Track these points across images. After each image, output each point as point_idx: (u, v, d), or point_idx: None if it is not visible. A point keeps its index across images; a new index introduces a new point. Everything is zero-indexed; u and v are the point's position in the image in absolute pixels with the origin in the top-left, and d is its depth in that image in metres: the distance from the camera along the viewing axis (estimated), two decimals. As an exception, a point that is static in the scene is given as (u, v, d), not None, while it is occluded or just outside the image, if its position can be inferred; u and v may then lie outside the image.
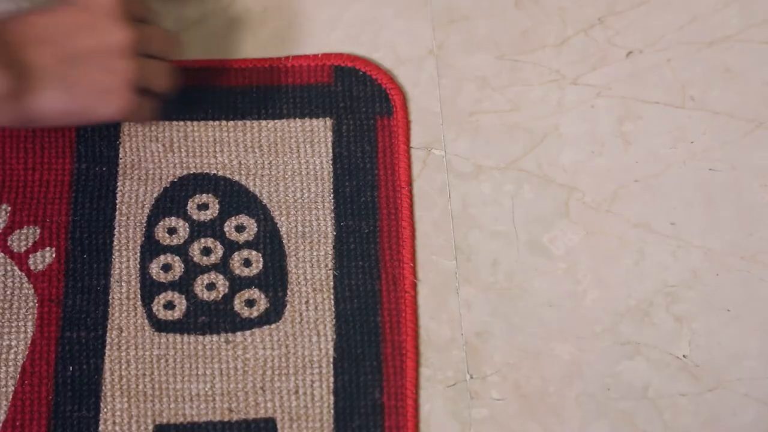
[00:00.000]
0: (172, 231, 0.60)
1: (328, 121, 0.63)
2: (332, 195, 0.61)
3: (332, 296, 0.58)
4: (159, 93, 0.58)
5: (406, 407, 0.56)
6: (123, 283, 0.58)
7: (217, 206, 0.61)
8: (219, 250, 0.59)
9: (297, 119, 0.63)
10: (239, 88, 0.63)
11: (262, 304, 0.58)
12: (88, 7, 0.53)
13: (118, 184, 0.61)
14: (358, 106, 0.63)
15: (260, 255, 0.59)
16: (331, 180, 0.61)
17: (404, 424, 0.56)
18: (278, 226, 0.60)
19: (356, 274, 0.59)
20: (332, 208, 0.61)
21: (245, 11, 0.66)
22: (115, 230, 0.60)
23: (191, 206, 0.61)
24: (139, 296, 0.58)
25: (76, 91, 0.53)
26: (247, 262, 0.59)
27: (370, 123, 0.63)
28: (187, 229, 0.60)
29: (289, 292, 0.59)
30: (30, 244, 0.59)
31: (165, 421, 0.55)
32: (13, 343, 0.57)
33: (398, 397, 0.56)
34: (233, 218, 0.60)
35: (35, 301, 0.58)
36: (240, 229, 0.60)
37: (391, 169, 0.61)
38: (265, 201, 0.61)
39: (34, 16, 0.53)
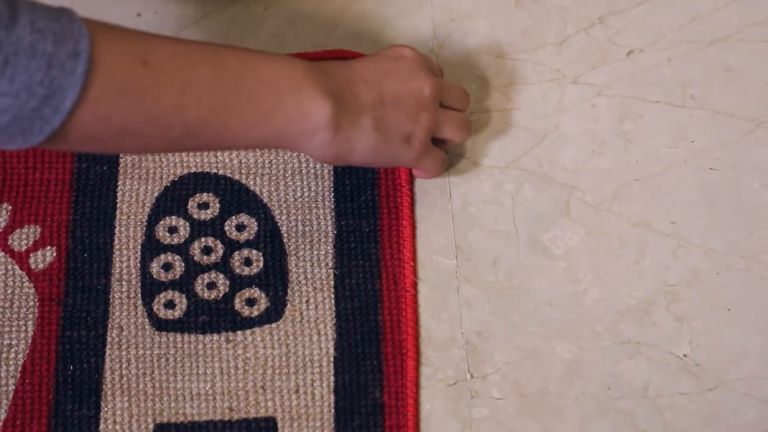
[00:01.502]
0: (172, 230, 0.60)
1: None
2: (332, 194, 0.61)
3: (333, 295, 0.58)
4: (452, 143, 0.60)
5: (407, 406, 0.56)
6: (123, 282, 0.58)
7: (218, 205, 0.61)
8: (219, 249, 0.59)
9: None
10: None
11: (263, 303, 0.58)
12: (398, 58, 0.57)
13: (119, 183, 0.61)
14: None
15: (261, 254, 0.59)
16: (332, 179, 0.61)
17: (404, 424, 0.56)
18: (279, 225, 0.60)
19: (357, 273, 0.59)
20: (333, 206, 0.61)
21: (245, 10, 0.66)
22: (116, 229, 0.60)
23: (192, 205, 0.61)
24: (139, 295, 0.58)
25: (386, 131, 0.54)
26: (247, 261, 0.59)
27: None
28: (188, 228, 0.60)
29: (289, 291, 0.59)
30: (30, 243, 0.59)
31: (165, 420, 0.55)
32: (13, 342, 0.57)
33: (398, 397, 0.56)
34: (234, 217, 0.60)
35: (36, 300, 0.58)
36: (240, 228, 0.60)
37: (391, 168, 0.61)
38: (265, 200, 0.61)
39: (353, 62, 0.56)
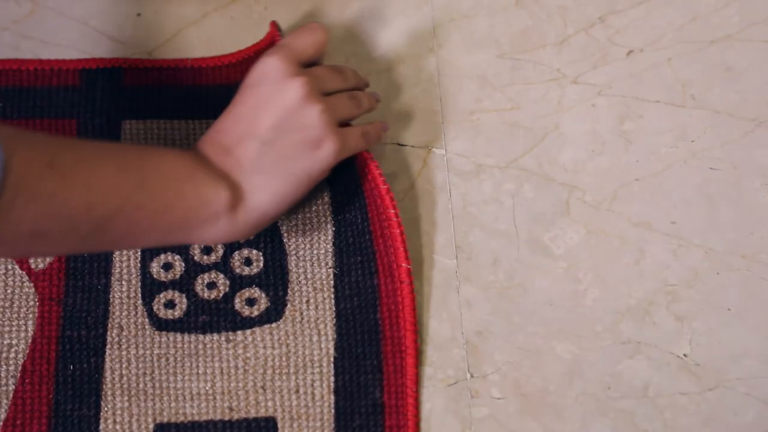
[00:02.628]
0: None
1: None
2: (328, 189, 0.61)
3: (333, 295, 0.58)
4: (367, 112, 0.58)
5: (407, 406, 0.56)
6: (123, 282, 0.58)
7: (218, 205, 0.60)
8: (219, 249, 0.59)
9: None
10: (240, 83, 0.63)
11: (263, 303, 0.58)
12: (259, 81, 0.53)
13: (119, 182, 0.61)
14: None
15: (261, 254, 0.59)
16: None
17: (404, 423, 0.56)
18: (278, 224, 0.60)
19: (355, 271, 0.59)
20: (330, 202, 0.61)
21: (246, 10, 0.66)
22: (116, 229, 0.60)
23: (192, 205, 0.60)
24: (139, 295, 0.58)
25: (289, 164, 0.53)
26: (247, 261, 0.59)
27: None
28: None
29: (289, 291, 0.59)
30: (30, 242, 0.59)
31: (165, 420, 0.55)
32: (13, 342, 0.57)
33: (398, 396, 0.56)
34: (234, 217, 0.60)
35: (36, 299, 0.58)
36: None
37: (364, 162, 0.60)
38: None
39: (219, 120, 0.54)
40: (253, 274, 0.59)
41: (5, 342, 0.57)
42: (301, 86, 0.53)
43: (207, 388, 0.56)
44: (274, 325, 0.58)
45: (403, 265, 0.58)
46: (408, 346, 0.57)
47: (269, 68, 0.53)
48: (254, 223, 0.53)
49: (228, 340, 0.57)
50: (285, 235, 0.60)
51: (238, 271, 0.59)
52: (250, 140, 0.52)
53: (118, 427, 0.55)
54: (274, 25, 0.64)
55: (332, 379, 0.57)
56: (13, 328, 0.57)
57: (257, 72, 0.54)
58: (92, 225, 0.47)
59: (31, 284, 0.58)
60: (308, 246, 0.60)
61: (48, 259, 0.59)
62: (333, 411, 0.56)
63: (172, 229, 0.50)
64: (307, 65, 0.56)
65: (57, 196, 0.44)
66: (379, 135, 0.59)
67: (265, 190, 0.52)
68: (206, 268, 0.59)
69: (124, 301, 0.58)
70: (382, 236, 0.58)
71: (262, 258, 0.59)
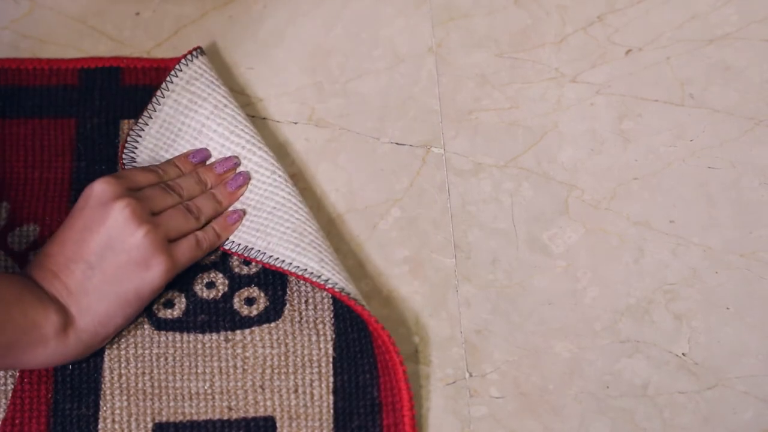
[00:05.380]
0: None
1: None
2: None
3: (331, 295, 0.58)
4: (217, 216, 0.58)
5: (402, 401, 0.56)
6: (122, 282, 0.58)
7: (217, 204, 0.60)
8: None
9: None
10: None
11: (262, 302, 0.58)
12: (83, 207, 0.54)
13: (118, 182, 0.61)
14: None
15: (260, 253, 0.59)
16: None
17: (401, 421, 0.55)
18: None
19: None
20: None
21: (244, 9, 0.66)
22: (115, 228, 0.60)
23: (191, 204, 0.60)
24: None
25: (111, 291, 0.53)
26: (246, 261, 0.59)
27: None
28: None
29: (288, 291, 0.58)
30: (30, 242, 0.59)
31: (164, 419, 0.55)
32: (12, 342, 0.57)
33: (394, 393, 0.56)
34: (233, 216, 0.60)
35: (35, 299, 0.58)
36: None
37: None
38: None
39: (48, 244, 0.54)
40: (252, 273, 0.59)
41: (4, 341, 0.57)
42: (124, 207, 0.53)
43: (206, 387, 0.56)
44: (272, 324, 0.58)
45: None
46: (384, 341, 0.56)
47: (96, 191, 0.54)
48: (87, 344, 0.53)
49: (227, 340, 0.57)
50: (284, 234, 0.60)
51: (237, 270, 0.59)
52: (76, 264, 0.53)
53: (116, 426, 0.55)
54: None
55: (331, 379, 0.56)
56: (12, 328, 0.57)
57: (85, 195, 0.54)
58: None
59: (30, 284, 0.58)
60: (307, 245, 0.60)
61: (47, 259, 0.59)
62: (332, 411, 0.56)
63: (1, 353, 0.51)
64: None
65: None
66: (222, 233, 0.58)
67: (94, 312, 0.53)
68: (205, 268, 0.59)
69: (123, 301, 0.58)
70: None
71: (261, 257, 0.59)
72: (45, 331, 0.51)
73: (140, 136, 0.60)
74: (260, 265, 0.59)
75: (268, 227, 0.58)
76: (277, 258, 0.56)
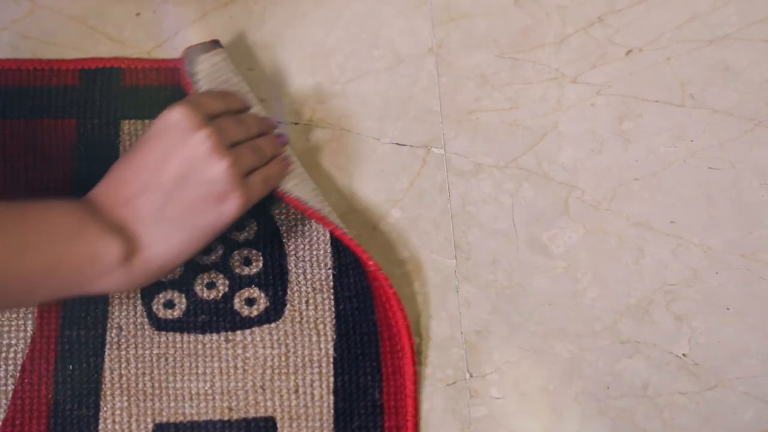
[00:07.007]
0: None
1: None
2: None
3: (332, 296, 0.58)
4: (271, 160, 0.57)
5: (406, 407, 0.56)
6: (123, 282, 0.58)
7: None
8: (219, 249, 0.59)
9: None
10: None
11: (262, 302, 0.58)
12: (160, 134, 0.52)
13: (118, 182, 0.61)
14: None
15: (260, 254, 0.59)
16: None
17: (404, 424, 0.56)
18: (278, 224, 0.60)
19: (353, 271, 0.59)
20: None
21: (245, 10, 0.66)
22: (115, 229, 0.60)
23: (191, 205, 0.60)
24: (138, 295, 0.58)
25: (190, 218, 0.51)
26: (247, 261, 0.59)
27: None
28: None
29: (289, 291, 0.59)
30: (30, 242, 0.59)
31: (165, 419, 0.55)
32: (12, 342, 0.57)
33: (398, 397, 0.56)
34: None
35: (35, 299, 0.58)
36: (240, 227, 0.60)
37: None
38: (264, 200, 0.61)
39: (118, 169, 0.53)
40: (252, 274, 0.59)
41: (4, 342, 0.57)
42: (206, 138, 0.51)
43: (206, 387, 0.56)
44: (273, 325, 0.58)
45: (371, 263, 0.57)
46: (404, 345, 0.57)
47: (176, 118, 0.52)
48: (153, 274, 0.52)
49: (227, 340, 0.57)
50: (284, 235, 0.60)
51: (237, 271, 0.59)
52: (152, 192, 0.51)
53: (117, 426, 0.55)
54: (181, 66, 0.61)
55: (331, 379, 0.57)
56: (12, 328, 0.57)
57: (162, 122, 0.52)
58: None
59: (31, 284, 0.58)
60: (307, 247, 0.60)
61: (47, 259, 0.59)
62: (332, 411, 0.56)
63: (58, 289, 0.49)
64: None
65: None
66: (281, 175, 0.57)
67: (166, 242, 0.51)
68: (206, 268, 0.59)
69: (123, 301, 0.58)
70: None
71: (261, 258, 0.59)
72: (107, 262, 0.50)
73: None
74: (261, 266, 0.59)
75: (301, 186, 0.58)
76: (320, 210, 0.56)
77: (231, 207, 0.52)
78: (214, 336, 0.57)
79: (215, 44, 0.60)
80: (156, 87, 0.62)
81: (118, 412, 0.55)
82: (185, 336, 0.57)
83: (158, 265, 0.51)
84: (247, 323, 0.58)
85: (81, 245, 0.49)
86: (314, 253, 0.60)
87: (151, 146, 0.52)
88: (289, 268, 0.59)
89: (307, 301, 0.58)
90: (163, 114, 0.52)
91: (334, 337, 0.57)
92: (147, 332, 0.57)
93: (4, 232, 0.47)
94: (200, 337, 0.57)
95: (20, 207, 0.49)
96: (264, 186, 0.55)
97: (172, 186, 0.51)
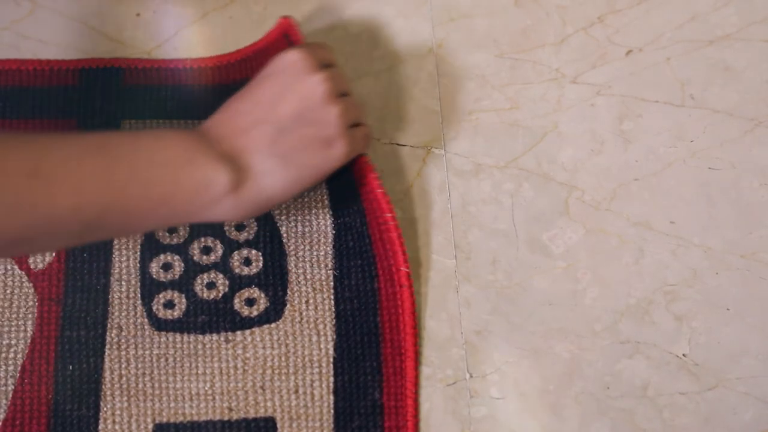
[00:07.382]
0: (171, 230, 0.60)
1: None
2: (327, 192, 0.61)
3: (332, 296, 0.58)
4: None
5: (406, 407, 0.56)
6: (123, 282, 0.58)
7: (217, 205, 0.60)
8: (219, 249, 0.59)
9: None
10: (238, 82, 0.63)
11: (262, 303, 0.58)
12: (283, 69, 0.54)
13: (118, 182, 0.61)
14: None
15: (260, 254, 0.59)
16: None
17: (404, 425, 0.56)
18: (278, 225, 0.60)
19: (355, 274, 0.59)
20: (329, 205, 0.61)
21: (245, 10, 0.66)
22: (115, 229, 0.60)
23: (191, 205, 0.60)
24: (139, 295, 0.58)
25: (299, 158, 0.52)
26: (247, 261, 0.59)
27: None
28: (187, 228, 0.60)
29: (289, 292, 0.59)
30: (30, 242, 0.59)
31: (165, 420, 0.55)
32: (12, 342, 0.57)
33: (398, 398, 0.56)
34: (233, 217, 0.60)
35: (35, 299, 0.58)
36: (240, 227, 0.60)
37: (360, 165, 0.60)
38: None
39: (234, 102, 0.53)
40: (252, 274, 0.59)
41: (4, 342, 0.57)
42: (322, 81, 0.53)
43: (206, 388, 0.56)
44: (273, 325, 0.58)
45: (402, 269, 0.58)
46: (408, 349, 0.57)
47: (295, 59, 0.54)
48: (262, 205, 0.52)
49: (227, 340, 0.57)
50: (285, 235, 0.60)
51: (237, 271, 0.59)
52: (268, 125, 0.52)
53: (117, 427, 0.55)
54: (286, 22, 0.63)
55: (331, 379, 0.57)
56: (12, 328, 0.57)
57: (281, 61, 0.54)
58: (82, 225, 0.46)
59: (31, 284, 0.58)
60: (308, 247, 0.60)
61: (47, 259, 0.59)
62: (332, 411, 0.56)
63: (170, 217, 0.50)
64: None
65: (40, 206, 0.44)
66: (371, 138, 0.59)
67: (276, 174, 0.52)
68: (205, 268, 0.59)
69: (123, 301, 0.58)
70: (380, 240, 0.58)
71: (261, 258, 0.59)
72: (218, 190, 0.50)
73: None
74: (261, 266, 0.59)
75: None
76: None
77: (337, 153, 0.53)
78: (214, 336, 0.57)
79: None
80: (156, 87, 0.62)
81: (118, 412, 0.56)
82: (185, 336, 0.57)
83: (267, 196, 0.52)
84: (247, 323, 0.58)
85: (193, 173, 0.50)
86: (315, 253, 0.60)
87: (268, 83, 0.53)
88: (289, 268, 0.59)
89: (307, 302, 0.58)
90: (281, 55, 0.54)
91: (334, 337, 0.57)
92: (147, 332, 0.57)
93: (117, 160, 0.48)
94: (200, 337, 0.57)
95: (132, 136, 0.50)
96: (364, 141, 0.57)
97: (287, 122, 0.52)
